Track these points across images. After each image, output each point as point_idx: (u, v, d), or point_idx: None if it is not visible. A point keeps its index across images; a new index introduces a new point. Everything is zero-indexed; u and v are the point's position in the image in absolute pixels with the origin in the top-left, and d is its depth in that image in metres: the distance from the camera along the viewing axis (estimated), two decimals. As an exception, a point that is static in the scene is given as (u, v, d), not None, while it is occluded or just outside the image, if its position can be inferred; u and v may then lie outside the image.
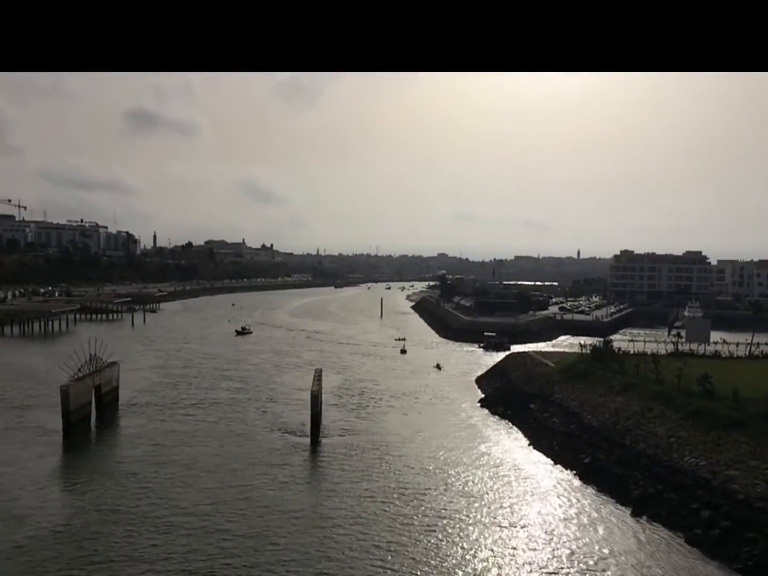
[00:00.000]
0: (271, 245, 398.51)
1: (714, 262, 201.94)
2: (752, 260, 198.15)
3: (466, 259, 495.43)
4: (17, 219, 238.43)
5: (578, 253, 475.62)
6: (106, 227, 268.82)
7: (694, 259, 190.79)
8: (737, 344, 67.81)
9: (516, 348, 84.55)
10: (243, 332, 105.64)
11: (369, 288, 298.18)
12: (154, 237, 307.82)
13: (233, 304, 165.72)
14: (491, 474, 36.73)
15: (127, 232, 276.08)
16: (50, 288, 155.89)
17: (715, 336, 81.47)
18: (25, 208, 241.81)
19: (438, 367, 75.11)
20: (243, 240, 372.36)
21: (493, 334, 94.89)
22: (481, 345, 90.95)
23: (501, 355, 77.31)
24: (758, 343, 67.62)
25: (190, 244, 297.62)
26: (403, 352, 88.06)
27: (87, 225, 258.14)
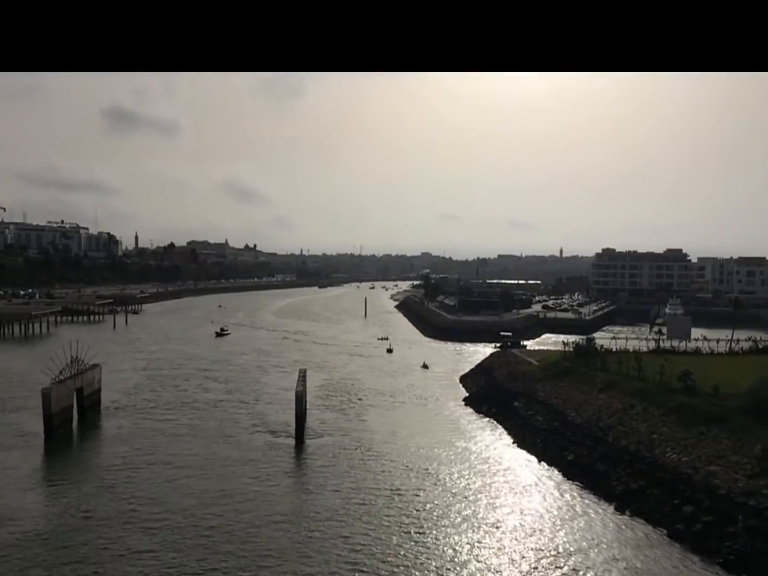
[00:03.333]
0: (255, 245, 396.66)
1: (694, 260, 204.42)
2: (732, 257, 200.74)
3: (450, 258, 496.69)
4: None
5: (561, 251, 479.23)
6: (87, 228, 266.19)
7: (675, 256, 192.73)
8: (717, 341, 68.76)
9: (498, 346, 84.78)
10: (222, 333, 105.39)
11: (358, 287, 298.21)
12: (136, 238, 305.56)
13: (220, 306, 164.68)
14: (475, 472, 36.88)
15: (108, 233, 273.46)
16: (30, 290, 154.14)
17: (695, 332, 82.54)
18: (4, 209, 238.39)
19: (425, 366, 75.22)
20: (226, 240, 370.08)
21: (509, 333, 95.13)
22: (498, 345, 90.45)
23: (487, 353, 77.60)
24: (738, 340, 68.55)
25: (172, 244, 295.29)
26: (390, 351, 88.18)
27: (67, 226, 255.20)
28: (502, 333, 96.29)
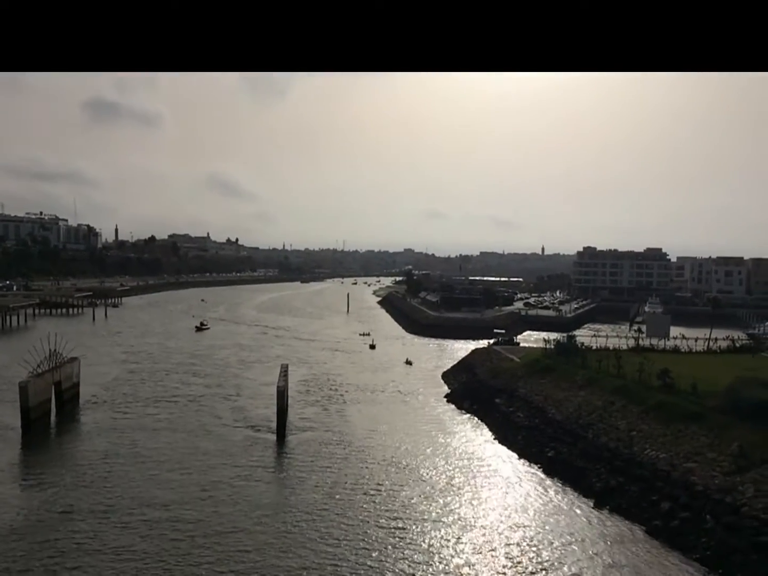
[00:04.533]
0: (237, 240, 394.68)
1: (674, 259, 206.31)
2: (710, 257, 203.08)
3: (433, 254, 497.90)
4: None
5: (543, 249, 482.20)
6: (66, 220, 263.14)
7: (655, 255, 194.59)
8: (696, 339, 69.39)
9: (482, 343, 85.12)
10: (202, 328, 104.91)
11: (342, 282, 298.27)
12: (116, 230, 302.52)
13: (203, 300, 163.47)
14: (456, 468, 37.00)
15: (87, 225, 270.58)
16: (8, 282, 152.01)
17: (674, 331, 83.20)
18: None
19: (408, 362, 75.26)
20: (208, 234, 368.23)
21: (503, 331, 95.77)
22: (491, 342, 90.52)
23: (470, 349, 77.82)
24: (716, 338, 69.27)
25: (153, 237, 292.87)
26: (372, 347, 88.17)
27: (46, 218, 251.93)
28: (495, 330, 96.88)
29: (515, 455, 39.48)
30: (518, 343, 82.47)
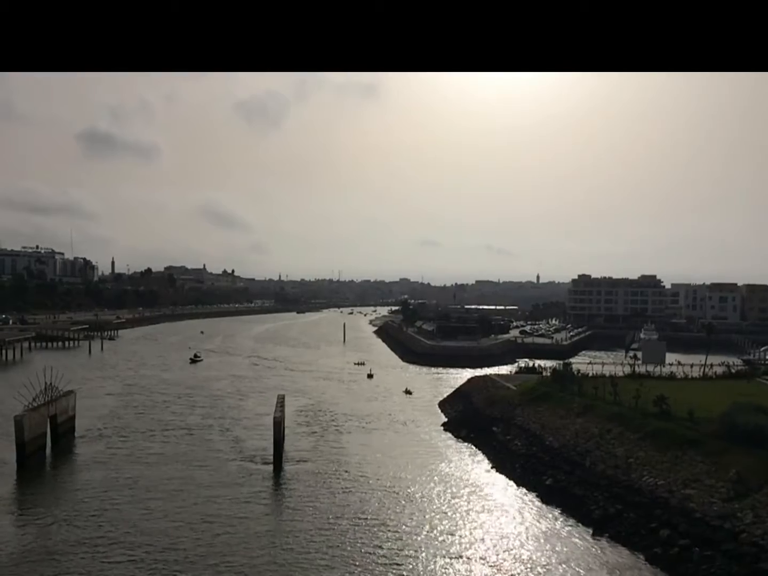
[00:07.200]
0: (233, 271, 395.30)
1: (668, 286, 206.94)
2: (704, 284, 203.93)
3: (428, 283, 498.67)
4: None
5: (538, 277, 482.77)
6: (63, 253, 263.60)
7: (649, 283, 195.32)
8: (691, 365, 69.47)
9: (478, 371, 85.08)
10: (195, 360, 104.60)
11: (341, 312, 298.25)
12: (113, 263, 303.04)
13: (202, 332, 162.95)
14: (454, 497, 36.80)
15: (84, 258, 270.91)
16: (3, 315, 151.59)
17: (670, 357, 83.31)
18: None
19: (408, 392, 75.05)
20: (204, 266, 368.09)
21: (526, 359, 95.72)
22: (515, 371, 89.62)
23: (466, 377, 77.64)
24: (711, 364, 69.44)
25: (149, 270, 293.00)
26: (370, 376, 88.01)
27: (42, 251, 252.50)
28: (516, 360, 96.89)
29: (513, 483, 39.31)
30: (541, 372, 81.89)
